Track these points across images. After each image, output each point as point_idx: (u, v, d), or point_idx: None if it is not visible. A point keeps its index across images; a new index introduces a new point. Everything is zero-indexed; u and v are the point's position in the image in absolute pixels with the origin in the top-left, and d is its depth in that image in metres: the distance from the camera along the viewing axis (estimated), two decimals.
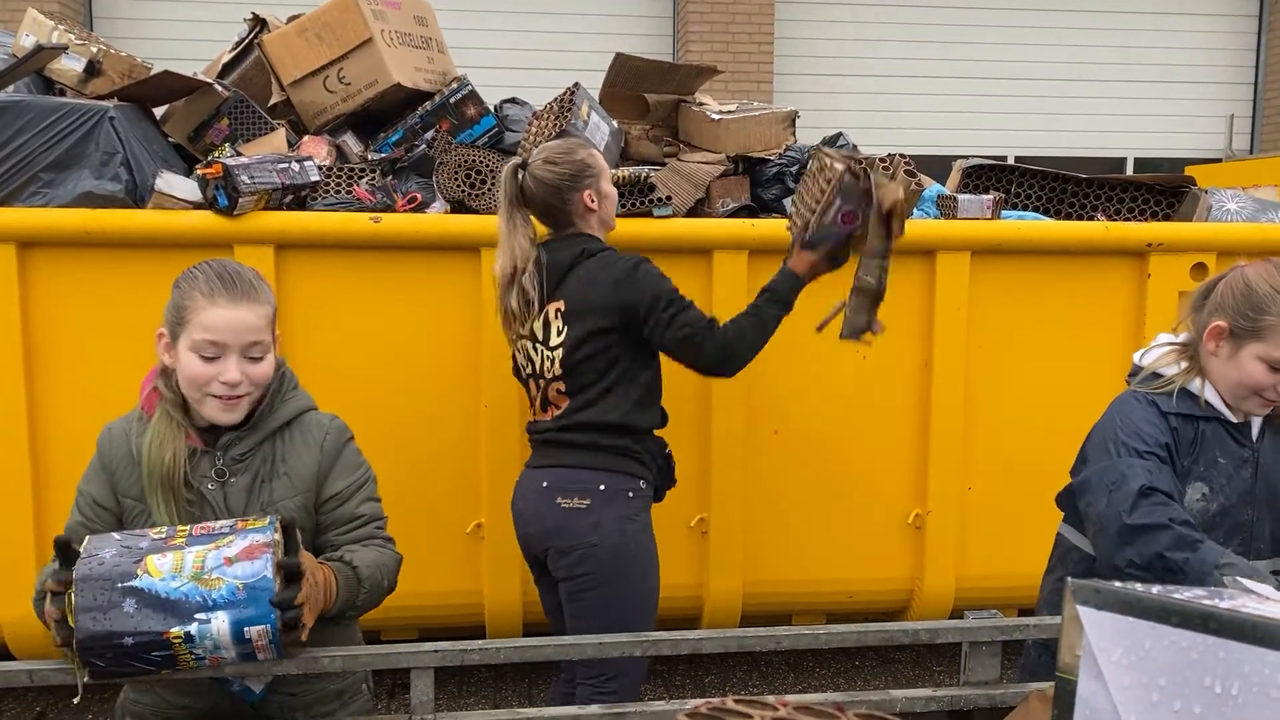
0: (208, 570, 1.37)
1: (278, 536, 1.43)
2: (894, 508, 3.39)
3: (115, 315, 3.00)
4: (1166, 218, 3.57)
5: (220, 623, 1.34)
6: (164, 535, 1.43)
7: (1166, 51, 10.03)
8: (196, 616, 1.34)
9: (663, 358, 2.48)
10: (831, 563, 3.39)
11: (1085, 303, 3.37)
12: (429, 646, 1.51)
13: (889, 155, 3.29)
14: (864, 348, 3.28)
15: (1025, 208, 3.72)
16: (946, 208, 3.36)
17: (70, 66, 3.32)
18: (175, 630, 1.33)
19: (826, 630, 1.56)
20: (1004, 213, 3.45)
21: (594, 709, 1.52)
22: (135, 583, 1.34)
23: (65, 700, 3.42)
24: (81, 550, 1.38)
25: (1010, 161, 4.09)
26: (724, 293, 3.18)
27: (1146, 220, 3.52)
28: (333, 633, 1.64)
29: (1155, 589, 0.94)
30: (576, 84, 3.29)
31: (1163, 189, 3.61)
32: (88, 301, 2.99)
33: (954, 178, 3.98)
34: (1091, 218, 3.63)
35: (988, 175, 3.81)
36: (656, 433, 2.52)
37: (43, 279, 2.96)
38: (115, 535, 1.43)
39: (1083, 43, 9.86)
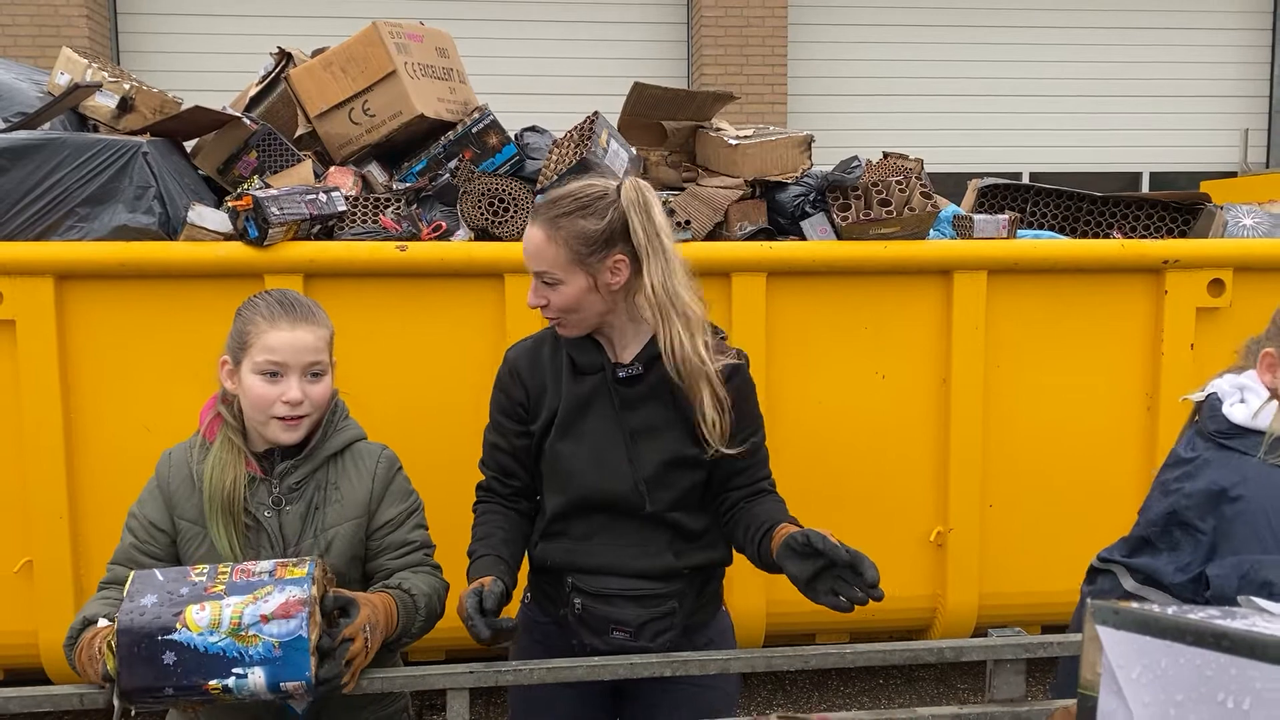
0: (244, 627, 1.41)
1: (315, 591, 1.47)
2: (915, 526, 3.41)
3: (150, 344, 3.07)
4: (1182, 234, 3.60)
5: (257, 678, 1.39)
6: (205, 578, 1.47)
7: (1181, 66, 10.05)
8: (234, 671, 1.38)
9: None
10: None
11: (1102, 320, 3.40)
12: (463, 668, 1.55)
13: (905, 176, 3.35)
14: (883, 367, 3.34)
15: (1041, 226, 3.76)
16: (962, 228, 3.40)
17: (104, 103, 3.41)
18: (214, 683, 1.38)
19: (853, 649, 1.59)
20: (1020, 232, 3.48)
21: None
22: (174, 636, 1.39)
23: None
24: (125, 589, 1.43)
25: (1025, 178, 4.13)
26: (743, 315, 3.23)
27: (1162, 237, 3.55)
28: (377, 657, 1.68)
29: (1171, 609, 0.98)
30: (596, 113, 3.35)
31: (1178, 206, 3.64)
32: (123, 331, 3.07)
33: (969, 197, 4.03)
34: (1107, 235, 3.66)
35: (1003, 194, 3.85)
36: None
37: (80, 310, 3.04)
38: (159, 575, 1.47)
39: (1096, 58, 9.89)
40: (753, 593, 3.34)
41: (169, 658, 1.37)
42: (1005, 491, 3.43)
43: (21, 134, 3.10)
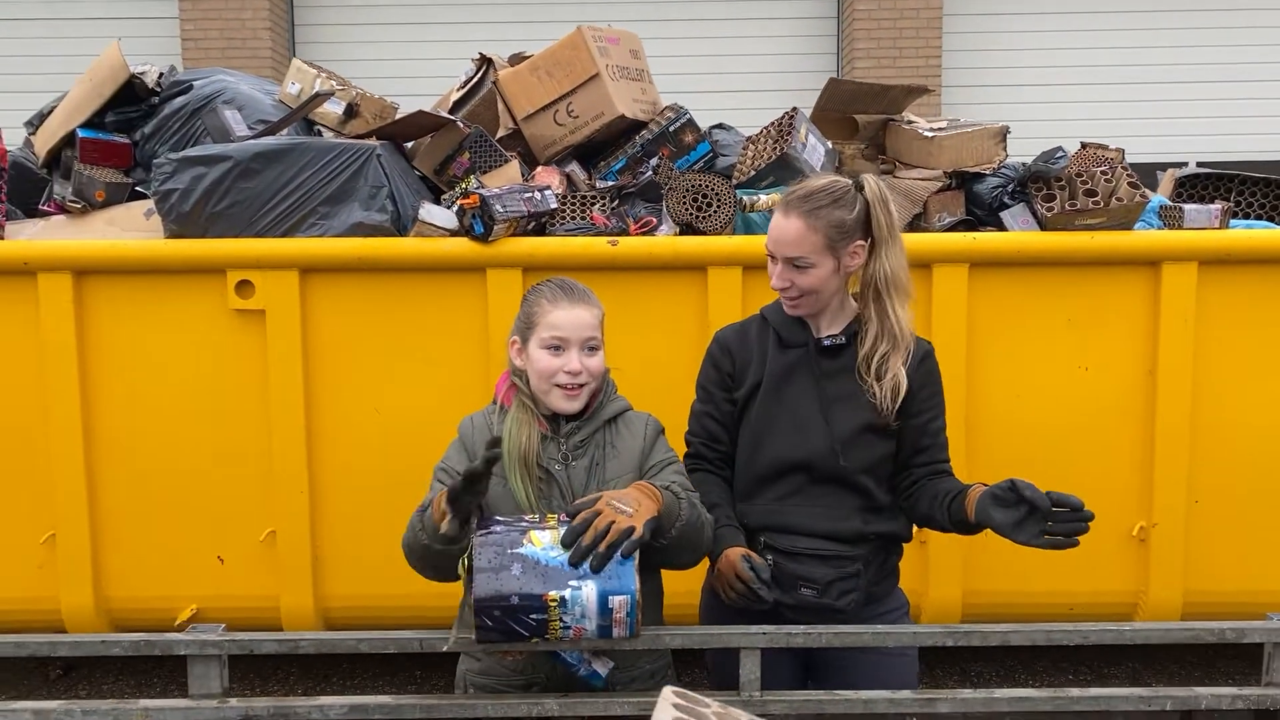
0: None
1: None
2: (1118, 520, 3.36)
3: (380, 332, 3.31)
4: None
5: (589, 590, 1.54)
6: (537, 518, 1.64)
7: None
8: (570, 583, 1.54)
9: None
10: (1052, 574, 3.39)
11: None
12: (757, 629, 1.66)
13: (1109, 166, 3.31)
14: (1086, 359, 3.31)
15: (1248, 216, 3.65)
16: (1170, 218, 3.34)
17: (332, 110, 3.69)
18: (553, 594, 1.53)
19: (1132, 627, 1.63)
20: (1231, 221, 3.39)
21: (905, 694, 1.64)
22: (521, 550, 1.56)
23: (324, 683, 3.77)
24: (473, 523, 1.61)
25: (1191, 166, 4.00)
26: (944, 306, 3.25)
27: None
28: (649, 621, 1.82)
29: None
30: (795, 108, 3.43)
31: None
32: (357, 320, 3.31)
33: (1166, 186, 3.94)
34: None
35: (1203, 184, 3.76)
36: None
37: (320, 301, 3.29)
38: (497, 515, 1.65)
39: (1253, 41, 9.40)
40: (949, 583, 3.36)
41: (516, 569, 1.54)
42: (1212, 487, 3.35)
43: (269, 140, 3.38)
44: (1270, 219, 3.61)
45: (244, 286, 3.26)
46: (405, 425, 3.33)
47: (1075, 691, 1.64)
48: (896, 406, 2.03)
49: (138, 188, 3.74)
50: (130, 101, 3.77)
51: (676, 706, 1.26)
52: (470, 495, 1.64)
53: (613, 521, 1.63)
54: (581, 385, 1.95)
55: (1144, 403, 3.32)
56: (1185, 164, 5.60)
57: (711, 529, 1.94)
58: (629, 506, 1.69)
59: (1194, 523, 3.36)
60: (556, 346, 1.94)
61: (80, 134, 3.57)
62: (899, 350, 2.04)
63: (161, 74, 3.90)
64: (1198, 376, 3.29)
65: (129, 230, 3.45)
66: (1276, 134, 9.41)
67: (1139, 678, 3.79)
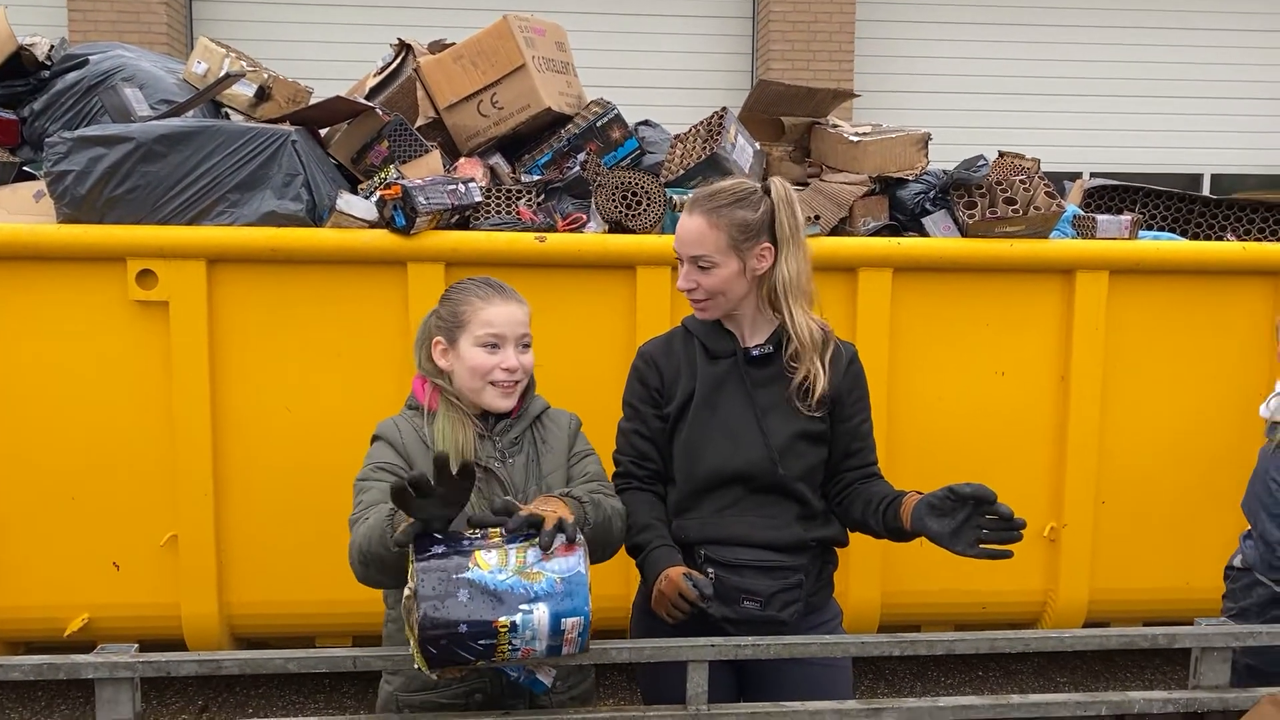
0: (529, 565, 1.50)
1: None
2: (1030, 521, 3.40)
3: (293, 327, 3.16)
4: None
5: (541, 613, 1.47)
6: (479, 535, 1.56)
7: (1241, 68, 9.98)
8: (520, 607, 1.46)
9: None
10: (964, 574, 3.45)
11: (1221, 321, 3.43)
12: (704, 641, 1.62)
13: (1028, 176, 3.39)
14: (1003, 364, 3.39)
15: (1151, 228, 3.79)
16: (1084, 228, 3.44)
17: (242, 92, 3.51)
18: (503, 619, 1.46)
19: (1073, 634, 1.66)
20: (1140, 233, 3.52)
21: (851, 704, 1.62)
22: (468, 574, 1.48)
23: (226, 695, 3.59)
24: (411, 547, 1.52)
25: (1086, 178, 4.15)
26: (868, 309, 3.28)
27: (1279, 240, 3.57)
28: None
29: None
30: (724, 108, 3.41)
31: None
32: (269, 314, 3.15)
33: (1075, 196, 4.06)
34: (1220, 238, 3.69)
35: (1110, 195, 3.89)
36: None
37: (229, 293, 3.13)
38: (436, 535, 1.56)
39: (1157, 59, 9.85)
40: (869, 585, 3.40)
41: (463, 595, 1.45)
42: (1119, 489, 3.48)
43: (175, 121, 3.19)
44: (1173, 231, 3.76)
45: (146, 276, 3.07)
46: (318, 424, 3.20)
47: (1016, 698, 1.66)
48: (816, 400, 2.02)
49: (25, 167, 3.49)
50: (17, 75, 3.53)
51: None
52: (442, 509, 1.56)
53: (556, 517, 1.59)
54: (516, 382, 1.93)
55: (1056, 407, 3.42)
56: (1080, 174, 5.83)
57: (622, 520, 1.91)
58: (549, 509, 1.66)
59: (1101, 524, 3.48)
60: (493, 345, 1.91)
61: None
62: (807, 350, 2.04)
63: (53, 46, 3.65)
64: (1106, 382, 3.40)
65: (17, 214, 3.21)
66: (1175, 148, 9.87)
67: (1044, 672, 3.91)
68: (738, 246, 2.00)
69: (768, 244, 2.02)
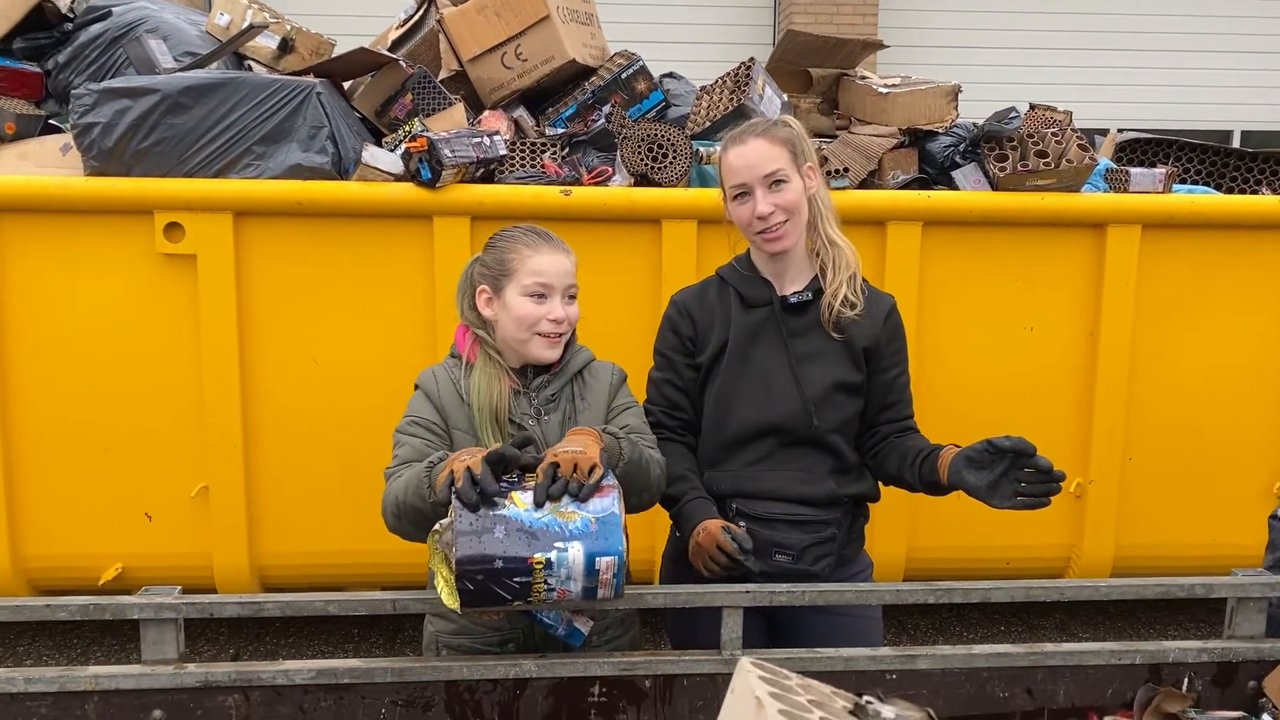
0: (564, 505, 1.51)
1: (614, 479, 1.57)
2: None
3: (319, 280, 3.17)
4: None
5: (576, 551, 1.47)
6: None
7: (1274, 22, 9.76)
8: (555, 545, 1.47)
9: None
10: (989, 529, 3.46)
11: (1254, 277, 3.38)
12: (740, 588, 1.63)
13: (1060, 129, 3.33)
14: (1031, 319, 3.36)
15: (1184, 182, 3.73)
16: (1116, 181, 3.39)
17: (265, 44, 3.48)
18: (538, 556, 1.47)
19: (1108, 584, 1.66)
20: (1174, 186, 3.46)
21: (886, 650, 1.63)
22: (504, 511, 1.49)
23: (256, 645, 3.65)
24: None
25: (1115, 133, 4.07)
26: (897, 262, 3.25)
27: None
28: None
29: None
30: (752, 59, 3.37)
31: None
32: (295, 266, 3.16)
33: (1106, 150, 4.00)
34: (1255, 192, 3.63)
35: (1143, 149, 3.82)
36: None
37: (256, 246, 3.13)
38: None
39: (1186, 11, 9.65)
40: (895, 540, 3.41)
41: (499, 531, 1.46)
42: (1145, 446, 3.46)
43: (200, 73, 3.18)
44: (1207, 185, 3.70)
45: (173, 229, 3.07)
46: (345, 376, 3.21)
47: (1050, 646, 1.66)
48: (834, 318, 2.01)
49: (51, 120, 3.49)
50: (41, 27, 3.51)
51: (764, 680, 1.19)
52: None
53: (576, 463, 1.58)
54: (561, 334, 1.89)
55: (1085, 363, 3.39)
56: (1107, 130, 5.72)
57: (661, 469, 1.88)
58: (577, 448, 1.64)
59: (1127, 479, 3.46)
60: (540, 294, 1.86)
61: None
62: (847, 268, 2.04)
63: None
64: (1136, 338, 3.37)
65: (44, 166, 3.21)
66: (1204, 104, 9.69)
67: (1066, 628, 3.92)
68: (796, 162, 2.00)
69: (811, 163, 2.03)
